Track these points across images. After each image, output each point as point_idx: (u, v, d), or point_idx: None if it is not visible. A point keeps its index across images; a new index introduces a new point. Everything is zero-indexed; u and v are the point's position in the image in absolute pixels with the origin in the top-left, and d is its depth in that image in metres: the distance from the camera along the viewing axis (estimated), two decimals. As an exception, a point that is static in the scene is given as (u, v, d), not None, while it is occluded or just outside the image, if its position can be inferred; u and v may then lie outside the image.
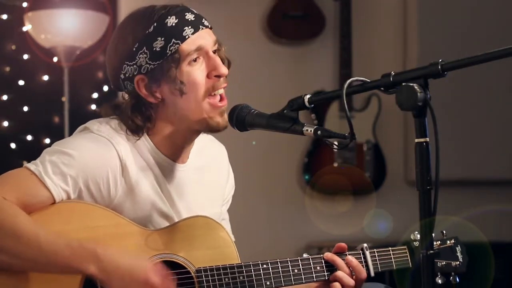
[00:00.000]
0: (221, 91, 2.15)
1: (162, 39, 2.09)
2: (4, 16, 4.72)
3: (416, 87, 1.71)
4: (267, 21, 5.16)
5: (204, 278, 2.08)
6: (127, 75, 2.13)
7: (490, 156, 5.17)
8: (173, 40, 2.08)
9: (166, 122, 2.15)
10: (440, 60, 1.73)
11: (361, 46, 5.19)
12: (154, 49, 2.09)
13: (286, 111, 2.00)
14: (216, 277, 2.09)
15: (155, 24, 2.10)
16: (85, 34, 4.46)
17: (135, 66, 2.11)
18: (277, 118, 2.02)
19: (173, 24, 2.10)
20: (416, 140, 1.72)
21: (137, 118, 2.13)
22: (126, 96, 2.17)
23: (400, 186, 5.23)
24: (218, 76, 2.13)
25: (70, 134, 2.27)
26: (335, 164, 5.08)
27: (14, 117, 4.68)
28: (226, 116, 2.14)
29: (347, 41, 5.12)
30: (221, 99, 2.15)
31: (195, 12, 2.16)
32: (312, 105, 1.98)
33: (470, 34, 5.06)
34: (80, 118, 4.35)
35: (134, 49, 2.10)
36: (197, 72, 2.11)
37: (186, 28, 2.10)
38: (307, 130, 1.98)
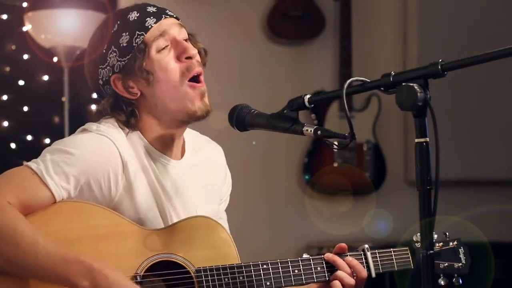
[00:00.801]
0: (199, 70, 2.16)
1: (127, 34, 2.13)
2: (4, 16, 4.72)
3: (416, 87, 1.71)
4: (267, 21, 5.16)
5: (203, 278, 2.08)
6: (104, 79, 2.16)
7: (490, 156, 5.17)
8: (137, 32, 2.13)
9: (150, 116, 2.17)
10: (440, 60, 1.73)
11: (361, 46, 5.18)
12: (121, 45, 2.13)
13: (286, 111, 2.00)
14: (216, 277, 2.09)
15: (118, 22, 2.14)
16: (85, 34, 4.42)
17: (108, 67, 2.15)
18: (277, 118, 2.02)
19: (135, 18, 2.14)
20: (416, 140, 1.72)
21: (120, 115, 2.15)
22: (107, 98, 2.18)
23: (400, 186, 5.23)
24: (189, 58, 2.15)
25: (70, 134, 2.27)
26: (335, 164, 5.08)
27: (14, 117, 4.68)
28: (206, 100, 2.16)
29: (347, 41, 5.11)
30: (199, 81, 2.16)
31: (158, 6, 2.20)
32: (312, 105, 1.98)
33: (470, 34, 5.06)
34: (80, 118, 4.38)
35: (104, 51, 2.14)
36: (166, 59, 2.14)
37: (148, 19, 2.14)
38: (307, 130, 1.98)
